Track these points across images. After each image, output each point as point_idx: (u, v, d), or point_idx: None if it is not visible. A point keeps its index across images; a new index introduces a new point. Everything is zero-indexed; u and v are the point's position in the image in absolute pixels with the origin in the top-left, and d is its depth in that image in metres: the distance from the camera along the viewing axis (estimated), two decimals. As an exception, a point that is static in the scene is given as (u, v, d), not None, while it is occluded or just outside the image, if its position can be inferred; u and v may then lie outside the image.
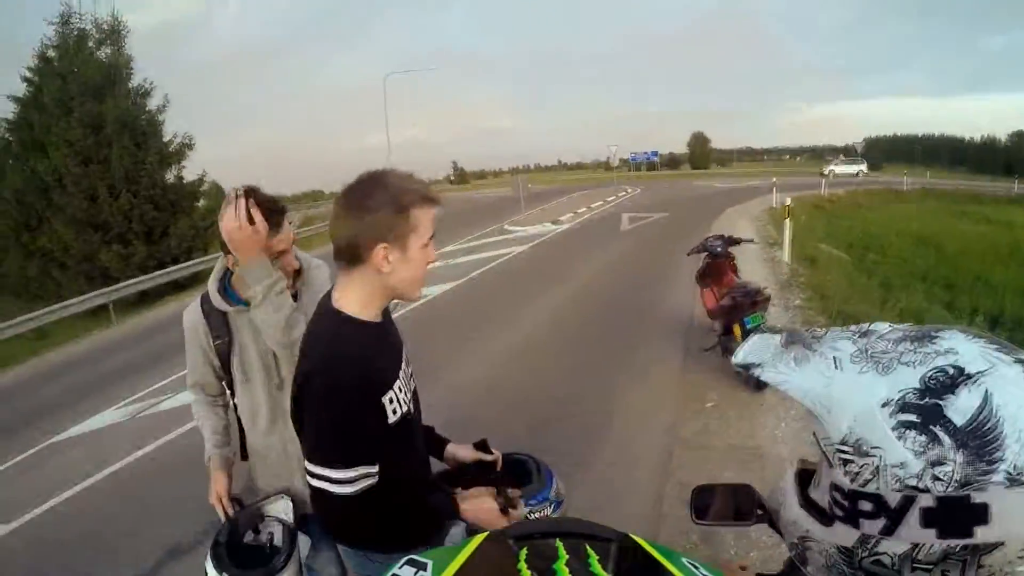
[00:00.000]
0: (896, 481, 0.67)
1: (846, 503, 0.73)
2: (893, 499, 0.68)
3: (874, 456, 0.69)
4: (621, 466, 4.42)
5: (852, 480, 0.72)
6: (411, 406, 1.67)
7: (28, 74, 18.90)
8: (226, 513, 2.17)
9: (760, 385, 5.09)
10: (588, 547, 0.64)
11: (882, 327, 0.79)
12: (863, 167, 46.62)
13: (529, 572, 0.60)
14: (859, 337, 0.78)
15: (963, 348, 0.69)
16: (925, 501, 0.66)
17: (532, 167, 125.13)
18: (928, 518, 0.66)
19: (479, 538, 0.69)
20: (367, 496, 1.50)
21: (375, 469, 1.51)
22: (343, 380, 1.47)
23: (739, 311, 5.29)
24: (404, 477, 1.63)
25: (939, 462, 0.65)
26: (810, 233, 13.98)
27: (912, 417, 0.67)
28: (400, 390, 1.60)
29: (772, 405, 4.94)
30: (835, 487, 0.75)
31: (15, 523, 5.06)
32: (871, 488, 0.70)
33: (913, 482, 0.66)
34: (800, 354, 0.80)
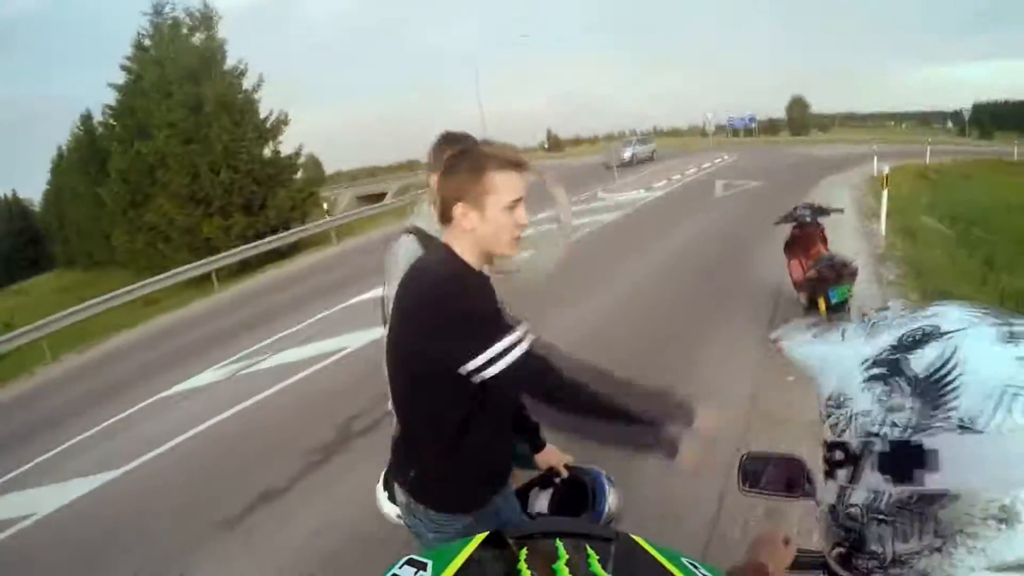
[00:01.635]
0: (860, 429, 0.70)
1: (828, 455, 0.76)
2: (857, 446, 0.70)
3: (847, 407, 0.72)
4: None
5: (831, 431, 0.75)
6: None
7: (127, 63, 20.18)
8: None
9: None
10: (588, 547, 0.64)
11: (897, 305, 0.86)
12: (653, 146, 41.70)
13: (529, 572, 0.60)
14: (875, 312, 0.81)
15: (947, 313, 0.72)
16: (880, 446, 0.68)
17: (627, 133, 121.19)
18: (882, 463, 0.68)
19: (479, 538, 0.69)
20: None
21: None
22: (465, 280, 1.62)
23: (825, 283, 5.09)
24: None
25: (896, 408, 0.67)
26: (912, 204, 13.24)
27: (882, 370, 0.70)
28: None
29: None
30: (823, 442, 0.77)
31: (122, 469, 5.54)
32: (844, 437, 0.72)
33: (874, 428, 0.68)
34: (819, 331, 0.85)
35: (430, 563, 0.64)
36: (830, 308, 4.97)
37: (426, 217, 2.41)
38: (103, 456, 5.99)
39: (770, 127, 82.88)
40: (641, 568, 0.65)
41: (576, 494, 2.09)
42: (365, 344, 7.10)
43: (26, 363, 11.89)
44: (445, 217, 1.64)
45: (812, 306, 5.29)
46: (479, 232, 1.61)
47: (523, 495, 2.14)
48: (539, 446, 2.13)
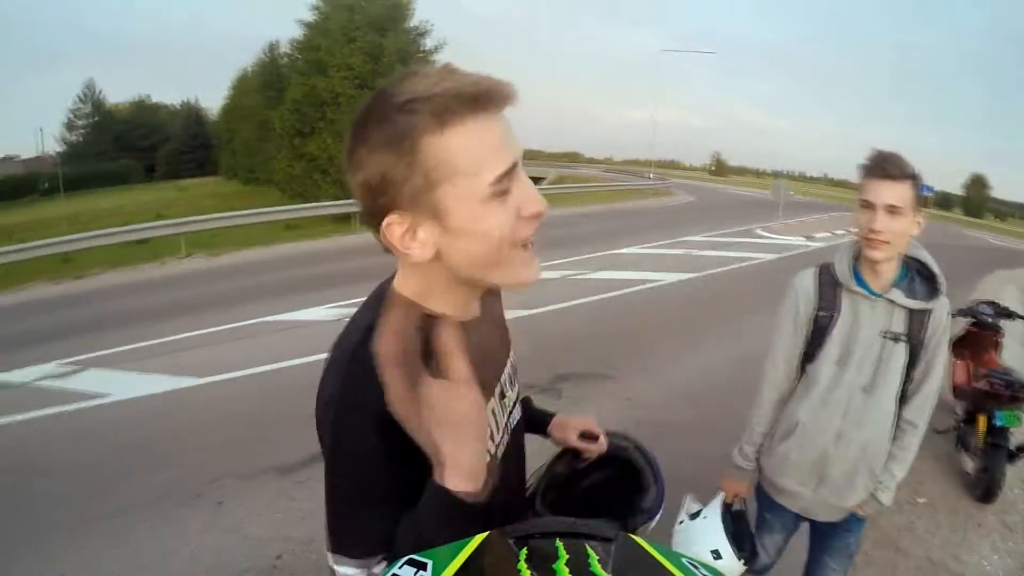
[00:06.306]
0: None
1: None
2: None
3: None
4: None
5: None
6: (505, 438, 1.05)
7: (318, 3, 21.38)
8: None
9: (988, 496, 4.08)
10: (588, 547, 0.63)
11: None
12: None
13: (529, 572, 0.59)
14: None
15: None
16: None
17: (796, 174, 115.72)
18: None
19: (479, 538, 0.67)
20: None
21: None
22: (358, 411, 0.84)
23: (994, 401, 4.16)
24: None
25: None
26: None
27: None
28: (493, 414, 0.99)
29: (993, 527, 3.93)
30: None
31: (206, 379, 5.70)
32: None
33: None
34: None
35: (430, 563, 0.64)
36: (991, 431, 4.06)
37: None
38: (175, 363, 6.22)
39: (944, 202, 77.12)
40: (641, 568, 0.65)
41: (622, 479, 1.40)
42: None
43: (161, 252, 12.83)
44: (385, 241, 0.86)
45: (969, 420, 4.39)
46: (450, 257, 0.84)
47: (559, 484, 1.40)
48: (546, 419, 1.40)
